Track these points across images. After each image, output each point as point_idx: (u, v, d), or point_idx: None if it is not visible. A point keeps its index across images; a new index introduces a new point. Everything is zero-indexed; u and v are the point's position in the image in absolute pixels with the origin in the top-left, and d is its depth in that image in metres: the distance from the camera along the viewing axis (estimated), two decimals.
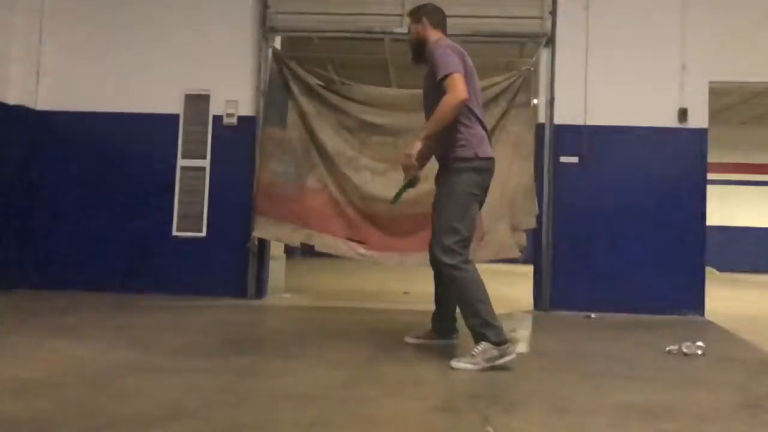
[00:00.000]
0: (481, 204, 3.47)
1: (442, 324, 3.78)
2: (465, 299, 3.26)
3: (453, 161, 3.38)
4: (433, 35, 3.53)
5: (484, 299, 3.24)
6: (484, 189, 3.45)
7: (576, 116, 5.64)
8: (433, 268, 3.64)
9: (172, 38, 5.86)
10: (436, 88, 3.34)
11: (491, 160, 3.44)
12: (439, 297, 3.75)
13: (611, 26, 5.69)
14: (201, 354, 3.35)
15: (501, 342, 3.17)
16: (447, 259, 3.26)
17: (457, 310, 3.54)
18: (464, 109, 3.33)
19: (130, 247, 5.74)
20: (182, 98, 5.83)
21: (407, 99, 5.57)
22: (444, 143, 3.39)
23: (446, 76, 3.26)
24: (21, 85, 5.77)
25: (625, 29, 5.70)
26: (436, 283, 3.73)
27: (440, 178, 3.49)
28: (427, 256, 3.68)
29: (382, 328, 4.42)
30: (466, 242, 3.31)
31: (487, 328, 3.18)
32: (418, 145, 3.30)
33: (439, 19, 3.59)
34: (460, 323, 3.43)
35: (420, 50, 3.57)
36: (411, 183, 3.48)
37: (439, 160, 3.51)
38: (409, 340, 3.80)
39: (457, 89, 3.23)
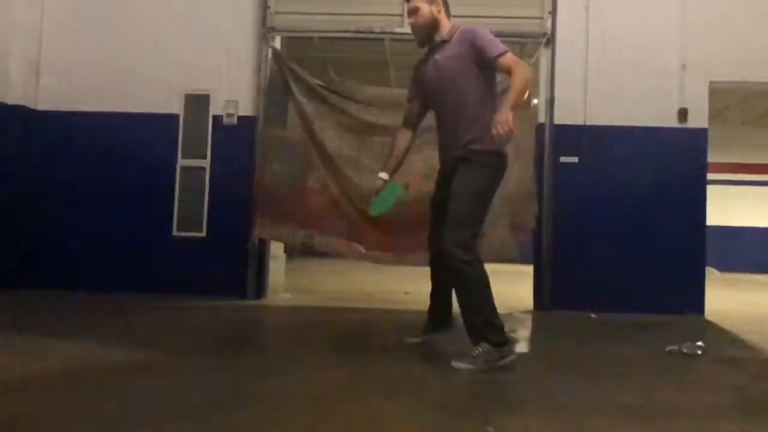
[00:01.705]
0: None
1: (439, 315, 3.74)
2: (472, 296, 3.20)
3: (479, 154, 3.29)
4: (446, 22, 3.46)
5: (490, 298, 3.20)
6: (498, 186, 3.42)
7: (576, 116, 5.64)
8: (433, 261, 3.61)
9: (172, 38, 5.86)
10: (464, 71, 3.29)
11: (508, 157, 3.43)
12: (437, 287, 3.70)
13: (611, 26, 5.69)
14: (201, 354, 3.35)
15: (502, 343, 3.16)
16: (461, 254, 3.17)
17: (455, 304, 3.53)
18: (492, 102, 3.35)
19: (130, 247, 5.74)
20: (182, 98, 5.82)
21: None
22: (470, 133, 3.31)
23: (504, 54, 3.22)
24: (21, 85, 5.77)
25: (624, 29, 5.70)
26: (433, 273, 3.69)
27: (458, 170, 3.33)
28: (427, 256, 3.69)
29: (382, 328, 4.42)
30: (476, 238, 3.28)
31: (489, 327, 3.16)
32: (510, 114, 3.03)
33: (448, 9, 3.52)
34: (458, 320, 3.42)
35: (431, 32, 3.43)
36: (395, 192, 3.45)
37: (458, 149, 3.34)
38: (410, 340, 3.78)
39: (525, 65, 3.21)
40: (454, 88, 3.35)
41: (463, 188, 3.28)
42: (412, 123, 3.66)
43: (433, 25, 3.43)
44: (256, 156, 5.70)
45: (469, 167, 3.30)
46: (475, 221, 3.27)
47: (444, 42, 3.41)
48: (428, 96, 3.55)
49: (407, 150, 3.66)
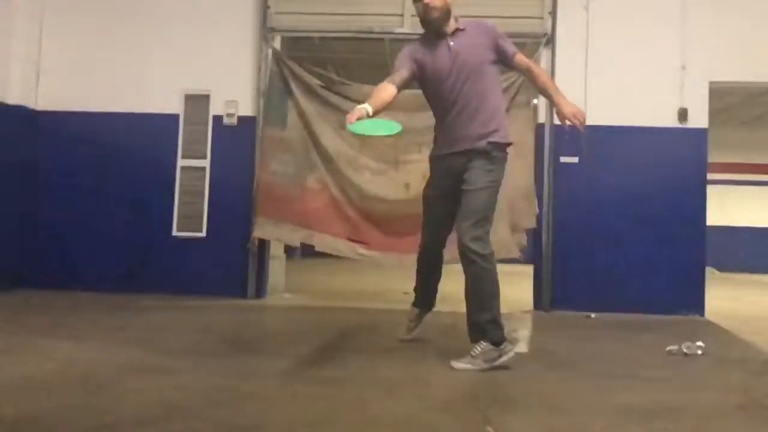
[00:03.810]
0: None
1: (427, 297, 3.78)
2: (483, 292, 3.19)
3: (498, 148, 3.31)
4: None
5: (498, 296, 3.21)
6: None
7: None
8: (426, 254, 3.65)
9: (172, 38, 5.86)
10: (486, 62, 3.33)
11: None
12: (427, 278, 3.74)
13: (611, 26, 5.68)
14: (201, 354, 3.35)
15: (500, 341, 3.16)
16: (479, 249, 3.16)
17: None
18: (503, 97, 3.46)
19: (130, 247, 5.74)
20: (182, 98, 5.82)
21: (407, 99, 5.54)
22: (490, 125, 3.30)
23: (518, 52, 3.39)
24: (21, 85, 5.77)
25: (625, 29, 5.69)
26: (423, 265, 3.71)
27: (474, 163, 3.28)
28: None
29: (382, 328, 4.41)
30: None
31: (493, 325, 3.16)
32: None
33: None
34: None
35: (444, 19, 3.35)
36: (391, 128, 3.13)
37: (473, 141, 3.30)
38: (404, 337, 3.79)
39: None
40: (476, 78, 3.31)
41: (482, 183, 3.26)
42: (397, 85, 3.38)
43: (447, 13, 3.36)
44: (256, 156, 5.70)
45: (488, 161, 3.28)
46: (490, 216, 3.27)
47: (459, 30, 3.37)
48: (434, 83, 3.39)
49: (389, 104, 3.36)
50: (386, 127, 3.20)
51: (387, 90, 3.34)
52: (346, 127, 5.58)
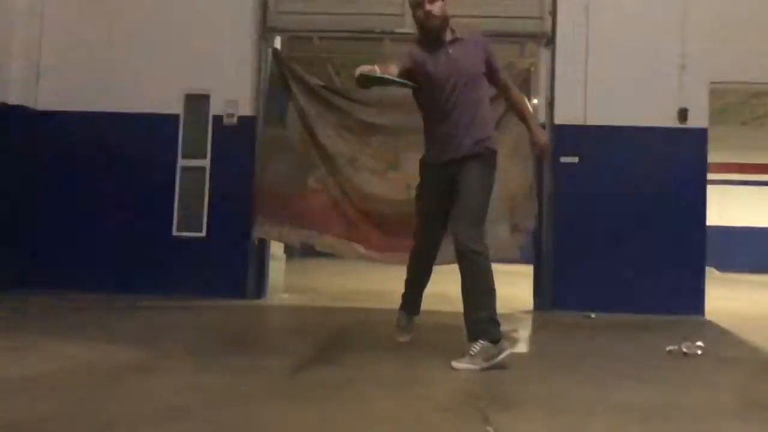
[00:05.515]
0: None
1: (417, 301, 3.81)
2: (480, 290, 3.23)
3: (491, 153, 3.43)
4: None
5: (494, 293, 3.25)
6: None
7: (576, 116, 5.64)
8: (424, 257, 3.68)
9: (172, 38, 5.85)
10: (481, 72, 3.44)
11: None
12: (421, 281, 3.77)
13: (611, 26, 5.69)
14: (201, 354, 3.35)
15: (498, 339, 3.17)
16: (476, 247, 3.25)
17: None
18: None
19: (130, 247, 5.73)
20: (182, 98, 5.82)
21: (407, 99, 5.56)
22: (486, 131, 3.44)
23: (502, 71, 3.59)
24: (21, 85, 5.77)
25: (624, 29, 5.69)
26: (418, 269, 3.74)
27: (470, 166, 3.37)
28: None
29: (382, 328, 4.41)
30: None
31: (490, 323, 3.18)
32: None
33: None
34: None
35: (443, 26, 3.39)
36: (400, 83, 3.19)
37: (469, 147, 3.38)
38: (402, 339, 3.78)
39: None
40: (472, 86, 3.41)
41: (479, 184, 3.37)
42: (398, 68, 3.36)
43: (446, 21, 3.41)
44: (256, 156, 5.70)
45: (483, 164, 3.40)
46: (485, 216, 3.39)
47: (457, 40, 3.43)
48: (430, 87, 3.42)
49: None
50: (398, 81, 3.23)
51: (389, 67, 3.35)
52: (343, 123, 5.64)
